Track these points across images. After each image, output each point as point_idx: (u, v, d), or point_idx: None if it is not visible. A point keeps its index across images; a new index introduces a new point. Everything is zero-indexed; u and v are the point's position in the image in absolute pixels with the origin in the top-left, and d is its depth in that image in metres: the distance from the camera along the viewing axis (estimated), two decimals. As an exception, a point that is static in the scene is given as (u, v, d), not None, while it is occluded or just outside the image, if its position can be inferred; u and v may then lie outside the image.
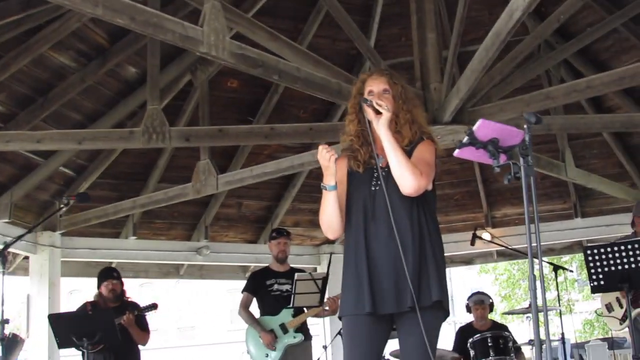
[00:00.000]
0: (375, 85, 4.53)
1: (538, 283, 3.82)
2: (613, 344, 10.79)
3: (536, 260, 3.81)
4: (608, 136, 11.17)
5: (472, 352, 8.72)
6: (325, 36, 10.49)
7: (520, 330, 12.93)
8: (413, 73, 8.30)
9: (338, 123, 9.30)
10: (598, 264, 7.01)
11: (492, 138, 3.87)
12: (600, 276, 7.03)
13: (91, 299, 8.75)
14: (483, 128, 3.84)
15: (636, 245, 6.73)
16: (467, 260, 13.04)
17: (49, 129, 9.30)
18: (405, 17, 8.79)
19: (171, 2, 8.86)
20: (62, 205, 6.82)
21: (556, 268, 9.35)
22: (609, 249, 6.92)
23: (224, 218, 12.22)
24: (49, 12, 8.09)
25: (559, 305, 9.52)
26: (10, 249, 10.54)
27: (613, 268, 6.85)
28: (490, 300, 9.65)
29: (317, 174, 10.24)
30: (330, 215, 4.46)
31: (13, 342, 7.98)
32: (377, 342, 4.38)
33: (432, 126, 7.40)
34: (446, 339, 9.82)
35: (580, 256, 22.15)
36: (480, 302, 9.50)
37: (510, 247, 10.38)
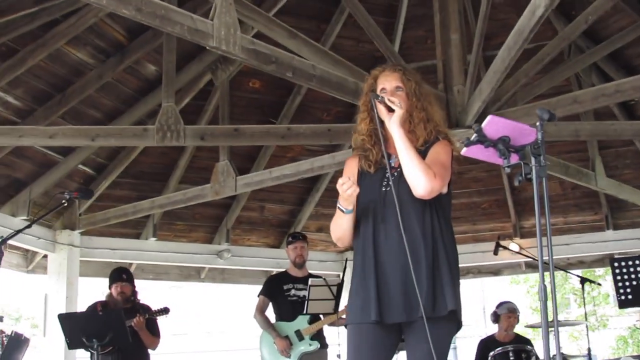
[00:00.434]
0: (388, 82, 4.29)
1: (551, 294, 3.53)
2: (646, 361, 10.42)
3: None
4: (641, 145, 10.82)
5: (493, 366, 8.44)
6: (349, 37, 10.26)
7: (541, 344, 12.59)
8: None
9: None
10: (626, 277, 6.74)
11: (502, 136, 3.59)
12: (628, 290, 6.76)
13: (103, 298, 8.60)
14: (493, 125, 3.57)
15: (667, 258, 6.42)
16: (495, 271, 12.72)
17: (67, 125, 9.11)
18: (431, 19, 8.51)
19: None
20: (63, 201, 6.59)
21: (583, 281, 9.02)
22: (637, 262, 6.63)
23: (246, 221, 12.02)
24: (63, 6, 7.92)
25: (586, 320, 9.17)
26: (30, 247, 10.53)
27: (642, 282, 6.55)
28: (519, 313, 9.33)
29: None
30: (344, 230, 4.25)
31: (15, 342, 7.78)
32: (383, 353, 4.12)
33: (454, 130, 7.16)
34: (465, 349, 9.57)
35: (613, 270, 21.67)
36: (513, 310, 9.17)
37: (537, 258, 10.03)
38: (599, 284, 10.24)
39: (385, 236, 4.09)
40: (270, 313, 8.53)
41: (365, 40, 9.91)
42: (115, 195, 10.81)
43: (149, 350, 8.39)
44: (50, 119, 9.01)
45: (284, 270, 8.78)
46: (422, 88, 4.32)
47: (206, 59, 9.73)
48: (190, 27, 5.82)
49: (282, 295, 8.40)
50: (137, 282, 9.18)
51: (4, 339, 7.71)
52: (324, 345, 8.22)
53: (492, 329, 9.34)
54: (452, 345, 20.49)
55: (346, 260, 8.71)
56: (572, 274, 9.79)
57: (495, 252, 10.07)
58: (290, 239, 8.71)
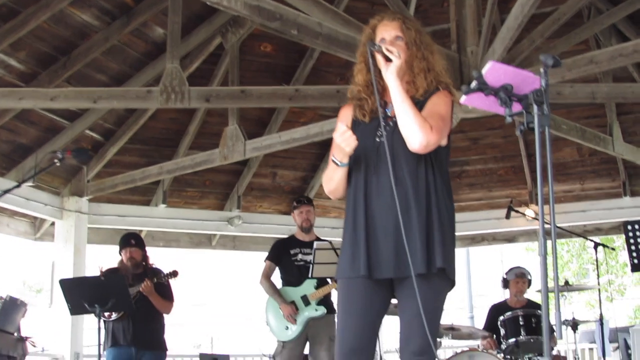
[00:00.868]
0: (387, 32, 4.09)
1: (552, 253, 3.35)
2: (662, 328, 10.21)
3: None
4: (661, 110, 10.56)
5: (502, 331, 8.25)
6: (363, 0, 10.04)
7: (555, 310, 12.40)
8: (451, 36, 7.84)
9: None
10: (639, 240, 6.53)
11: (504, 84, 3.39)
12: (643, 254, 6.55)
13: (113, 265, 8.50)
14: (494, 72, 3.37)
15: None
16: (510, 238, 12.50)
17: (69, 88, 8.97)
18: (447, -20, 8.30)
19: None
20: (55, 161, 6.41)
21: (597, 245, 8.82)
22: (651, 224, 6.44)
23: (258, 188, 11.87)
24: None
25: (598, 285, 8.97)
26: (37, 214, 10.42)
27: (656, 245, 6.34)
28: (530, 277, 9.12)
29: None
30: (336, 184, 4.09)
31: (11, 306, 7.66)
32: (374, 310, 3.95)
33: (468, 92, 6.93)
34: (482, 319, 9.39)
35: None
36: (521, 275, 8.97)
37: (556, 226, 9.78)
38: (613, 249, 10.01)
39: (377, 189, 3.93)
40: (278, 279, 8.39)
41: (379, 3, 9.69)
42: (124, 161, 10.69)
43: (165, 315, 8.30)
44: (54, 82, 8.87)
45: (291, 234, 8.62)
46: (422, 37, 4.12)
47: (216, 21, 9.57)
48: (189, -18, 5.65)
49: (289, 260, 8.25)
50: (148, 250, 9.09)
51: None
52: (330, 311, 8.03)
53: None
54: (468, 315, 20.32)
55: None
56: (586, 238, 9.56)
57: (507, 216, 9.84)
58: (295, 203, 8.55)
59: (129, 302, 7.61)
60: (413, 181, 3.87)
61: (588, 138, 9.32)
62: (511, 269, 9.12)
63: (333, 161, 4.00)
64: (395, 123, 3.90)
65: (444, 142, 4.02)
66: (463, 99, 3.46)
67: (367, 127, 4.04)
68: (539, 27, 7.60)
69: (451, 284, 3.96)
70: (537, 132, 3.26)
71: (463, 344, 10.24)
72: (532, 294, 9.12)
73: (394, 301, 4.06)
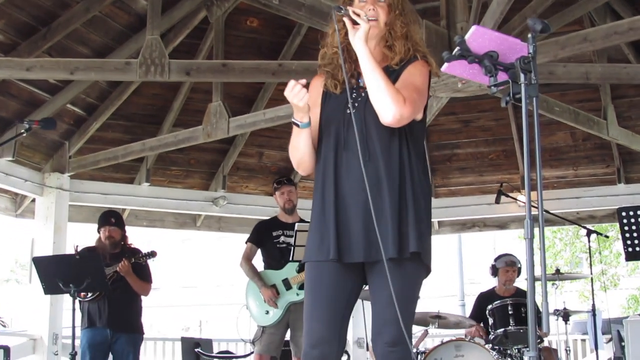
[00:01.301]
0: None
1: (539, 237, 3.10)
2: (657, 318, 9.95)
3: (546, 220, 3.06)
4: (658, 95, 10.26)
5: (490, 320, 8.00)
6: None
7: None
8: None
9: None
10: (634, 227, 6.28)
11: (489, 51, 3.12)
12: (636, 241, 6.30)
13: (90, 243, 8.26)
14: (477, 37, 3.10)
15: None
16: (501, 225, 12.20)
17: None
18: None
19: None
20: (22, 131, 6.14)
21: (590, 233, 8.58)
22: (646, 211, 6.19)
23: (244, 168, 11.60)
24: None
25: (591, 274, 8.72)
26: (16, 190, 10.16)
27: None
28: (520, 265, 8.87)
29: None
30: (302, 152, 3.82)
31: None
32: (344, 296, 3.70)
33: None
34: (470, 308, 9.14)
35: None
36: (511, 263, 8.73)
37: (548, 211, 9.51)
38: (607, 236, 9.75)
39: (347, 166, 3.67)
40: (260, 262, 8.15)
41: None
42: (106, 137, 10.41)
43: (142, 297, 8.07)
44: (34, 54, 8.57)
45: (274, 216, 8.37)
46: (404, 4, 3.85)
47: (200, -6, 9.27)
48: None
49: (271, 242, 8.01)
50: (130, 229, 8.87)
51: None
52: (313, 295, 7.79)
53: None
54: (459, 302, 20.10)
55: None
56: (579, 225, 9.32)
57: (497, 201, 9.59)
58: (275, 184, 8.33)
59: (104, 282, 7.40)
60: (385, 157, 3.62)
61: (581, 121, 9.06)
62: (500, 256, 8.88)
63: (293, 122, 3.74)
64: (367, 94, 3.62)
65: (419, 116, 3.74)
66: (445, 67, 3.19)
67: (337, 99, 3.79)
68: (531, 3, 7.31)
69: (426, 269, 3.71)
70: (523, 102, 3.01)
71: (450, 333, 9.98)
72: (522, 282, 8.87)
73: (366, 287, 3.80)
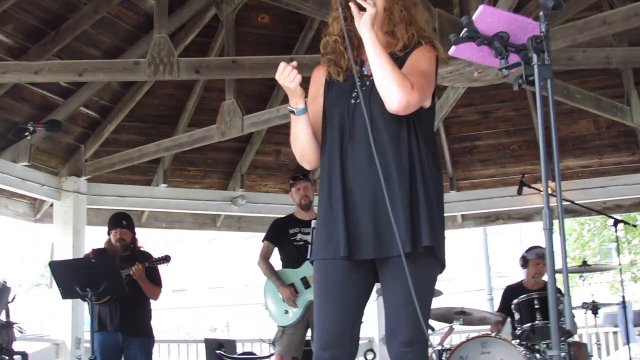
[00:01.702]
0: None
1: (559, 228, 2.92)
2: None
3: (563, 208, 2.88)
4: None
5: (516, 315, 7.77)
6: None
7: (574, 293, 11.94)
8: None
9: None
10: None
11: (499, 32, 2.94)
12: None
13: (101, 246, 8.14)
14: (485, 17, 2.92)
15: None
16: (526, 217, 11.95)
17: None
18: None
19: None
20: (26, 134, 5.99)
21: (617, 222, 8.35)
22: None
23: (262, 166, 11.46)
24: None
25: (619, 265, 8.49)
26: (34, 195, 10.07)
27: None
28: None
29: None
30: (302, 142, 3.65)
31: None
32: (354, 295, 3.52)
33: (472, 58, 6.47)
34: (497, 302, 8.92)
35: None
36: (542, 255, 8.45)
37: (573, 202, 9.28)
38: (634, 226, 9.52)
39: (353, 157, 3.49)
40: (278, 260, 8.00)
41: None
42: (122, 139, 10.33)
43: (151, 301, 7.93)
44: (44, 57, 8.46)
45: (290, 213, 8.21)
46: None
47: (210, -10, 9.13)
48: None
49: (288, 240, 7.84)
50: (150, 231, 8.74)
51: None
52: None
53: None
54: (487, 297, 19.79)
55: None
56: (606, 215, 9.09)
57: (519, 192, 9.36)
58: (291, 180, 8.16)
59: (122, 285, 7.28)
60: (394, 147, 3.43)
61: (604, 108, 8.80)
62: (532, 248, 8.61)
63: (289, 111, 3.59)
64: (373, 82, 3.45)
65: (427, 104, 3.55)
66: (452, 50, 3.01)
67: (341, 88, 3.60)
68: (546, -14, 7.08)
69: (441, 264, 3.53)
70: (537, 84, 2.83)
71: (475, 329, 9.76)
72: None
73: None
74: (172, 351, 12.82)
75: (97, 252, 7.83)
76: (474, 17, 2.91)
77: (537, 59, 2.81)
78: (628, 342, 8.60)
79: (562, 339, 7.26)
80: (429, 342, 3.49)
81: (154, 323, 8.03)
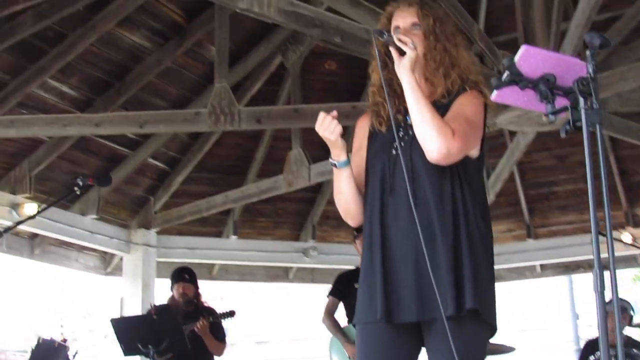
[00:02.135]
0: (402, 19, 3.40)
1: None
2: None
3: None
4: None
5: (593, 372, 7.37)
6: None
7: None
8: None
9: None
10: None
11: (545, 74, 2.69)
12: None
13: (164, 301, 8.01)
14: (528, 58, 2.67)
15: None
16: (607, 265, 11.51)
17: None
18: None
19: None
20: (75, 189, 5.85)
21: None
22: None
23: (333, 217, 11.19)
24: (108, -17, 7.32)
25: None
26: (103, 248, 10.03)
27: None
28: (632, 312, 8.18)
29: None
30: (345, 196, 3.41)
31: (46, 350, 7.13)
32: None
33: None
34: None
35: None
36: (622, 309, 8.06)
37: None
38: None
39: (395, 212, 3.22)
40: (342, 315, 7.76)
41: (447, 13, 9.03)
42: (191, 190, 10.25)
43: (215, 357, 7.73)
44: (109, 109, 8.46)
45: (356, 266, 7.96)
46: (444, 26, 3.40)
47: (275, 39, 9.04)
48: (216, -13, 5.09)
49: (353, 295, 7.52)
50: (222, 284, 8.59)
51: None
52: (401, 350, 7.34)
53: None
54: (575, 348, 18.98)
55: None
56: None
57: (594, 241, 8.94)
58: (355, 232, 7.89)
59: (185, 343, 7.07)
60: (436, 200, 3.17)
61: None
62: (610, 302, 8.19)
63: (331, 164, 3.38)
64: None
65: (474, 153, 3.28)
66: (494, 95, 2.76)
67: (384, 138, 3.36)
68: (615, 24, 6.79)
69: (490, 329, 3.23)
70: (584, 132, 2.55)
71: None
72: (634, 331, 8.20)
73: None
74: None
75: (159, 308, 7.68)
76: (516, 59, 2.67)
77: (584, 103, 2.56)
78: None
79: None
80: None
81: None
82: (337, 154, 3.34)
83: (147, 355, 6.99)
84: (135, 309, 9.58)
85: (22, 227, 8.29)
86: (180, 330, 7.06)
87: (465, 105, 3.25)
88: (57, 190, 8.70)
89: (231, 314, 7.63)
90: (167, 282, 10.26)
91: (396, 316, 3.14)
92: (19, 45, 7.56)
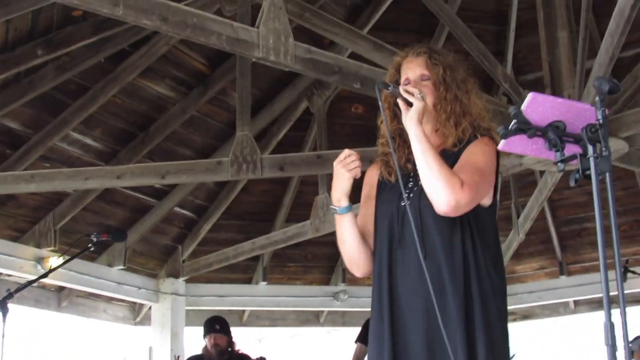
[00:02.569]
0: (411, 71, 3.34)
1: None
2: None
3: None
4: None
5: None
6: (456, 50, 9.25)
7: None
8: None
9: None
10: None
11: (554, 121, 2.62)
12: None
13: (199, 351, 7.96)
14: (536, 105, 2.59)
15: None
16: (638, 300, 11.29)
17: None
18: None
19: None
20: (89, 245, 5.83)
21: None
22: None
23: (363, 260, 11.15)
24: (128, 35, 7.33)
25: None
26: (131, 299, 10.01)
27: None
28: None
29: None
30: (349, 245, 3.31)
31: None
32: None
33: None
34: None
35: None
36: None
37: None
38: None
39: (403, 265, 3.13)
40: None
41: (462, 50, 8.98)
42: (219, 238, 10.23)
43: None
44: (134, 159, 8.47)
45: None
46: (455, 73, 3.32)
47: (300, 84, 9.03)
48: (230, 37, 5.07)
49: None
50: (253, 330, 8.54)
51: None
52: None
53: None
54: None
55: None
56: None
57: (624, 279, 8.79)
58: None
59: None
60: (446, 252, 3.07)
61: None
62: (636, 338, 8.01)
63: (332, 211, 3.28)
64: None
65: (486, 201, 3.18)
66: (502, 144, 2.69)
67: (392, 189, 3.28)
68: (641, 60, 6.71)
69: None
70: (594, 181, 2.48)
71: None
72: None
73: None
74: None
75: (192, 359, 7.65)
76: (522, 107, 2.60)
77: (592, 151, 2.48)
78: None
79: None
80: None
81: None
82: (338, 199, 3.26)
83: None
84: (163, 358, 9.55)
85: (48, 280, 8.29)
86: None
87: (476, 153, 3.16)
88: (83, 243, 8.71)
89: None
90: (199, 330, 10.26)
91: None
92: (40, 99, 7.59)
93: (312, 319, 11.65)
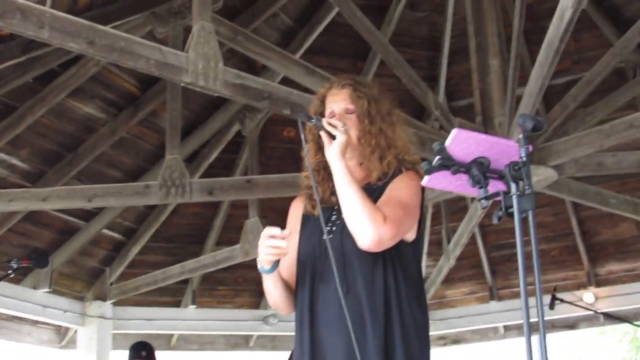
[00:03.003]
0: (336, 104, 3.32)
1: None
2: None
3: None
4: None
5: None
6: (390, 75, 9.26)
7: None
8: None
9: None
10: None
11: (478, 157, 2.60)
12: None
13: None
14: (460, 141, 2.58)
15: None
16: (571, 325, 11.38)
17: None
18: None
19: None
20: (9, 272, 5.68)
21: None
22: None
23: (294, 284, 11.10)
24: (57, 55, 7.18)
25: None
26: (56, 322, 9.80)
27: None
28: None
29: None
30: (274, 296, 3.28)
31: None
32: None
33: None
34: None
35: None
36: None
37: (596, 311, 8.86)
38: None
39: (325, 302, 3.08)
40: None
41: (393, 75, 9.03)
42: (148, 261, 10.09)
43: None
44: (62, 180, 8.31)
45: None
46: (380, 105, 3.30)
47: (232, 107, 8.96)
48: (159, 61, 4.99)
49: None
50: (181, 354, 8.42)
51: None
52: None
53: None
54: None
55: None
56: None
57: (551, 307, 8.92)
58: None
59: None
60: (368, 288, 3.02)
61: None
62: None
63: (259, 269, 3.21)
64: None
65: (410, 237, 3.14)
66: (425, 180, 2.66)
67: (315, 223, 3.22)
68: (570, 90, 6.76)
69: None
70: (516, 219, 2.47)
71: None
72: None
73: None
74: None
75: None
76: (446, 143, 2.58)
77: (515, 189, 2.47)
78: None
79: None
80: None
81: None
82: (263, 263, 3.17)
83: None
84: (89, 383, 9.40)
85: (-30, 304, 8.10)
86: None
87: (400, 188, 3.13)
88: (4, 268, 8.54)
89: None
90: (126, 354, 10.11)
91: None
92: (-36, 119, 7.44)
93: (241, 343, 11.52)
